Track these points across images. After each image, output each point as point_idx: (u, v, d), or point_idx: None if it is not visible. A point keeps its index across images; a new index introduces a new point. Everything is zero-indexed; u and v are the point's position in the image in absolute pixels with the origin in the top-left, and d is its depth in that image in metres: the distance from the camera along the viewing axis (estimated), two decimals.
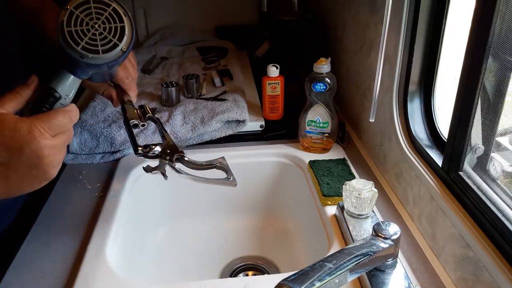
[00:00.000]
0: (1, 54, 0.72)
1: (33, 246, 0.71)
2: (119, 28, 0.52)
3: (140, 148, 0.70)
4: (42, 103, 0.53)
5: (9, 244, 0.72)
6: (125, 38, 0.52)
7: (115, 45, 0.52)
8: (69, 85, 0.55)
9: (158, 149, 0.70)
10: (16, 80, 0.76)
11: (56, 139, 0.51)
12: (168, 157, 0.70)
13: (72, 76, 0.55)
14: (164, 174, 0.69)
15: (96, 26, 0.51)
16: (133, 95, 0.76)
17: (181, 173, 0.69)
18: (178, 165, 0.71)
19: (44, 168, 0.50)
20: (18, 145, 0.48)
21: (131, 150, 0.96)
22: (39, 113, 0.52)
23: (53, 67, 0.56)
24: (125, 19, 0.52)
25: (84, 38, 0.51)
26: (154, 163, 0.71)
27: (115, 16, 0.52)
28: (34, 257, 0.69)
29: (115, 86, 0.76)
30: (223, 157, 0.74)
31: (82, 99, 1.18)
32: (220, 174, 0.73)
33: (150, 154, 0.70)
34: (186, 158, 0.71)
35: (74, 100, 1.26)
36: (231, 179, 0.71)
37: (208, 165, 0.73)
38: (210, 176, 0.71)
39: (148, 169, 0.69)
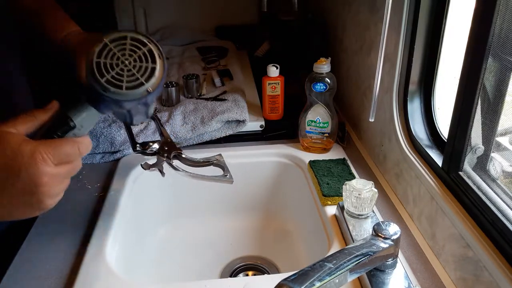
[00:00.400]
0: (0, 53, 0.72)
1: (33, 246, 0.71)
2: (149, 69, 0.51)
3: (138, 145, 0.69)
4: (55, 130, 0.51)
5: (9, 244, 0.72)
6: (153, 79, 0.51)
7: (141, 84, 0.50)
8: (87, 117, 0.53)
9: (156, 146, 0.70)
10: (16, 80, 0.76)
11: (58, 168, 0.48)
12: (165, 154, 0.70)
13: (92, 109, 0.53)
14: (161, 171, 0.69)
15: (127, 62, 0.50)
16: None
17: (178, 170, 0.69)
18: (176, 162, 0.71)
19: (38, 196, 0.47)
20: (16, 167, 0.46)
21: (131, 150, 0.96)
22: (49, 139, 0.50)
23: (70, 93, 0.55)
24: (158, 61, 0.51)
25: (111, 71, 0.50)
26: (152, 160, 0.71)
27: (148, 56, 0.51)
28: (34, 257, 0.69)
29: None
30: (220, 154, 0.74)
31: None
32: (218, 172, 0.73)
33: (148, 151, 0.70)
34: (183, 155, 0.72)
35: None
36: (227, 176, 0.71)
37: (205, 163, 0.73)
38: (207, 174, 0.71)
39: (145, 166, 0.69)
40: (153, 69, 0.51)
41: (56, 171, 0.48)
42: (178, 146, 0.72)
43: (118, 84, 0.49)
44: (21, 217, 0.50)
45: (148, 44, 0.51)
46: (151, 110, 0.67)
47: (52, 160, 0.47)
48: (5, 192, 0.46)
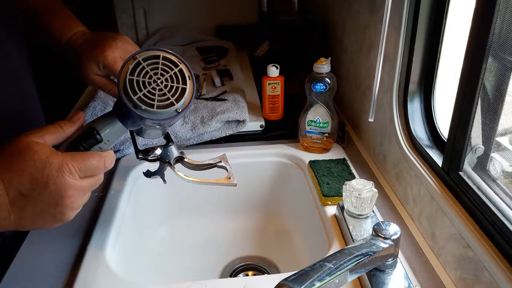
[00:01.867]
0: (5, 53, 0.72)
1: (33, 246, 0.71)
2: (180, 89, 0.51)
3: (140, 153, 0.69)
4: (81, 142, 0.52)
5: (9, 244, 0.72)
6: (183, 100, 0.51)
7: (171, 104, 0.51)
8: (113, 132, 0.54)
9: (158, 151, 0.70)
10: (23, 78, 0.76)
11: (83, 181, 0.49)
12: (167, 160, 0.70)
13: (120, 124, 0.54)
14: (163, 179, 0.69)
15: (159, 81, 0.51)
16: None
17: (181, 176, 0.69)
18: (178, 167, 0.71)
19: (62, 209, 0.48)
20: (44, 179, 0.46)
21: (131, 150, 0.96)
22: (75, 151, 0.51)
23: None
24: (188, 82, 0.52)
25: (143, 89, 0.50)
26: (155, 165, 0.70)
27: (179, 76, 0.52)
28: (34, 257, 0.69)
29: None
30: (224, 154, 0.74)
31: (82, 99, 1.18)
32: (221, 173, 0.73)
33: (150, 157, 0.70)
34: (185, 159, 0.71)
35: (74, 98, 1.25)
36: (230, 178, 0.71)
37: (208, 166, 0.73)
38: (211, 175, 0.71)
39: (147, 174, 0.69)
40: (184, 90, 0.51)
41: (80, 184, 0.49)
42: (180, 149, 0.72)
43: (150, 102, 0.50)
44: (41, 227, 0.50)
45: (180, 64, 0.52)
46: (168, 129, 0.67)
47: (78, 173, 0.48)
48: (29, 201, 0.47)
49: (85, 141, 0.52)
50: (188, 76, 0.52)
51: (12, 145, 0.48)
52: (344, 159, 0.91)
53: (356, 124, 1.03)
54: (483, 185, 0.59)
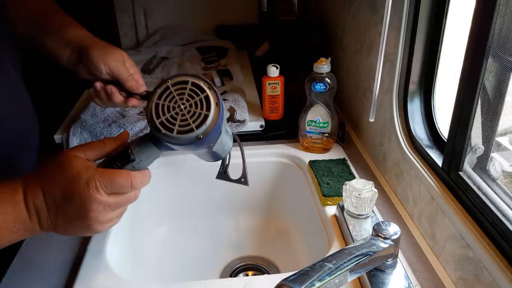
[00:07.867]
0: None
1: (33, 246, 0.71)
2: (202, 116, 0.51)
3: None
4: (115, 160, 0.54)
5: (9, 245, 0.72)
6: (203, 126, 0.50)
7: (191, 130, 0.50)
8: (146, 152, 0.55)
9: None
10: (13, 80, 0.76)
11: (109, 197, 0.52)
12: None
13: (153, 146, 0.55)
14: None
15: (182, 106, 0.51)
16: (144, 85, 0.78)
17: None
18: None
19: (88, 221, 0.51)
20: (72, 191, 0.50)
21: None
22: (109, 168, 0.53)
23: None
24: (213, 109, 0.51)
25: (166, 114, 0.51)
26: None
27: (204, 103, 0.51)
28: (34, 257, 0.69)
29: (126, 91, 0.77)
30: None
31: (82, 99, 1.18)
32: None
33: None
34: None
35: (74, 98, 1.25)
36: (244, 181, 0.73)
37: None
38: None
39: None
40: (206, 117, 0.51)
41: (106, 200, 0.51)
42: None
43: (170, 127, 0.50)
44: (74, 234, 0.54)
45: (207, 91, 0.51)
46: (221, 154, 0.66)
47: (104, 189, 0.51)
48: (60, 210, 0.51)
49: (119, 159, 0.54)
50: (216, 103, 0.52)
51: (58, 157, 0.52)
52: (344, 159, 0.91)
53: (356, 124, 1.03)
54: (483, 185, 0.59)
